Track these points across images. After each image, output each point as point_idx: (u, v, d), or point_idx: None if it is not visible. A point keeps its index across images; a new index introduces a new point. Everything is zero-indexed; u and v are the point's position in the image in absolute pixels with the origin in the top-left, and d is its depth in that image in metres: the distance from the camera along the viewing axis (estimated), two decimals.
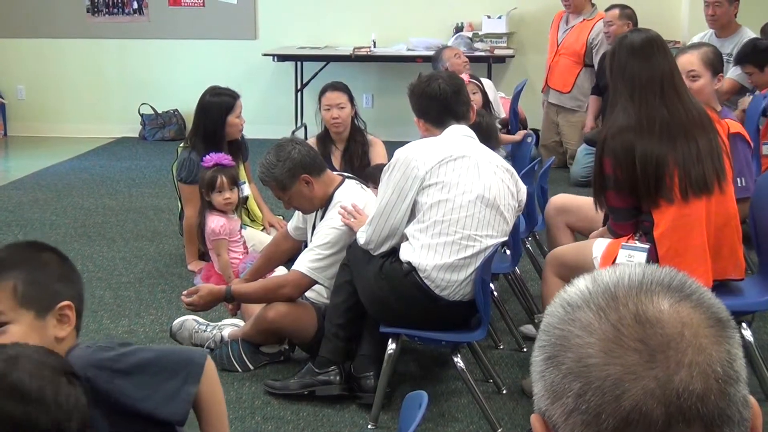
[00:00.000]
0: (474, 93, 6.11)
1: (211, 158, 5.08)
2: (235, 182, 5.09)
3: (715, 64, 4.40)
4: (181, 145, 5.87)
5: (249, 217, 5.83)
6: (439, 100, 3.99)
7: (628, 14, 7.95)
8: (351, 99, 5.65)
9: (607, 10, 8.07)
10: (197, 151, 5.61)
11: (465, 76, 6.14)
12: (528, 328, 4.64)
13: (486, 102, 6.36)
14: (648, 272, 1.01)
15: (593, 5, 8.41)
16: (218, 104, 5.70)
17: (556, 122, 8.49)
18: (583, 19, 8.34)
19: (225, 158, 5.11)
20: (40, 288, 2.07)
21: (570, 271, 3.81)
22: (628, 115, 3.63)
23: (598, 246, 3.81)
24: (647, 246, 3.63)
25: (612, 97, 3.82)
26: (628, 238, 3.71)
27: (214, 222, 5.03)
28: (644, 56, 3.68)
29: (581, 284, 1.03)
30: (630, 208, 3.70)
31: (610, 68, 3.79)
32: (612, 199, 3.72)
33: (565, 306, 1.01)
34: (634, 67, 3.68)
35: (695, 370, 0.93)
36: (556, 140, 8.52)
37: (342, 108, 5.58)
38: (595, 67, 8.10)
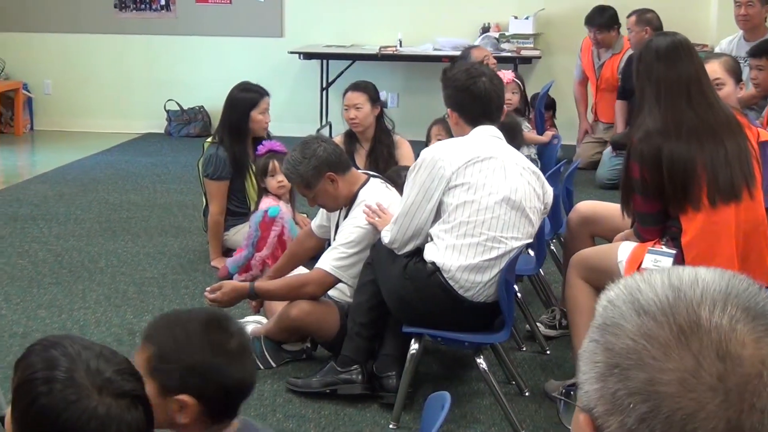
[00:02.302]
0: (514, 92, 6.10)
1: (265, 146, 5.35)
2: None
3: (737, 72, 4.41)
4: (208, 140, 5.89)
5: None
6: (481, 100, 3.92)
7: (647, 19, 7.83)
8: (372, 99, 5.63)
9: (628, 17, 8.01)
10: (224, 146, 5.64)
11: (510, 74, 6.10)
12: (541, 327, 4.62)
13: (525, 102, 6.34)
14: (732, 290, 0.96)
15: (619, 34, 8.33)
16: (244, 99, 5.73)
17: (605, 140, 8.37)
18: (612, 54, 8.31)
19: (277, 145, 5.36)
20: (166, 368, 2.03)
21: (594, 274, 3.78)
22: (655, 119, 3.61)
23: (624, 250, 3.78)
24: (674, 251, 3.60)
25: (639, 101, 3.79)
26: (655, 243, 3.69)
27: (265, 204, 5.23)
28: (670, 60, 3.66)
29: (658, 287, 0.97)
30: (657, 212, 3.67)
31: (637, 72, 3.77)
32: (639, 203, 3.69)
33: (639, 312, 0.96)
34: (660, 71, 3.65)
35: (767, 418, 0.91)
36: (596, 155, 8.38)
37: (359, 108, 5.58)
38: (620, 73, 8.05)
